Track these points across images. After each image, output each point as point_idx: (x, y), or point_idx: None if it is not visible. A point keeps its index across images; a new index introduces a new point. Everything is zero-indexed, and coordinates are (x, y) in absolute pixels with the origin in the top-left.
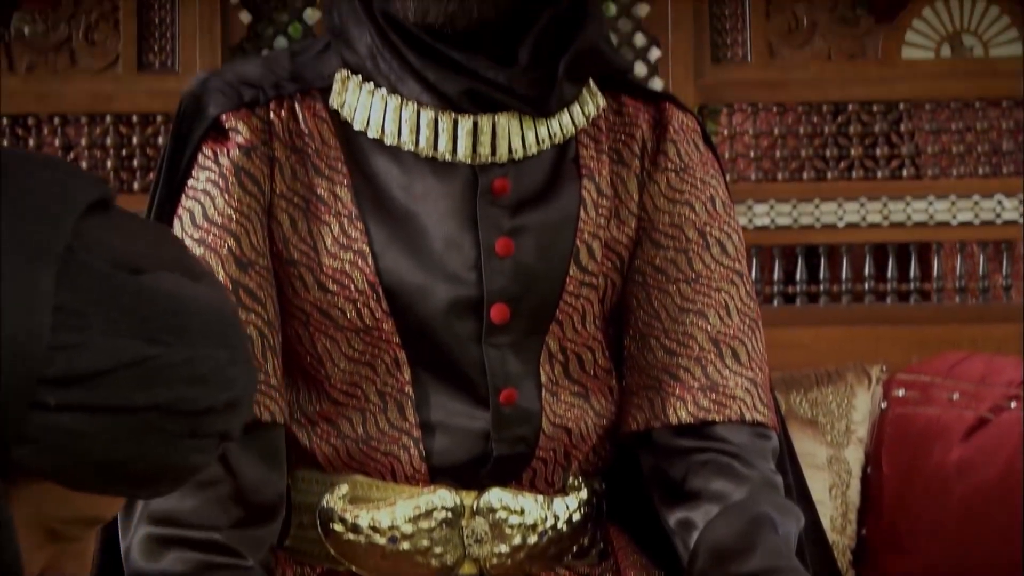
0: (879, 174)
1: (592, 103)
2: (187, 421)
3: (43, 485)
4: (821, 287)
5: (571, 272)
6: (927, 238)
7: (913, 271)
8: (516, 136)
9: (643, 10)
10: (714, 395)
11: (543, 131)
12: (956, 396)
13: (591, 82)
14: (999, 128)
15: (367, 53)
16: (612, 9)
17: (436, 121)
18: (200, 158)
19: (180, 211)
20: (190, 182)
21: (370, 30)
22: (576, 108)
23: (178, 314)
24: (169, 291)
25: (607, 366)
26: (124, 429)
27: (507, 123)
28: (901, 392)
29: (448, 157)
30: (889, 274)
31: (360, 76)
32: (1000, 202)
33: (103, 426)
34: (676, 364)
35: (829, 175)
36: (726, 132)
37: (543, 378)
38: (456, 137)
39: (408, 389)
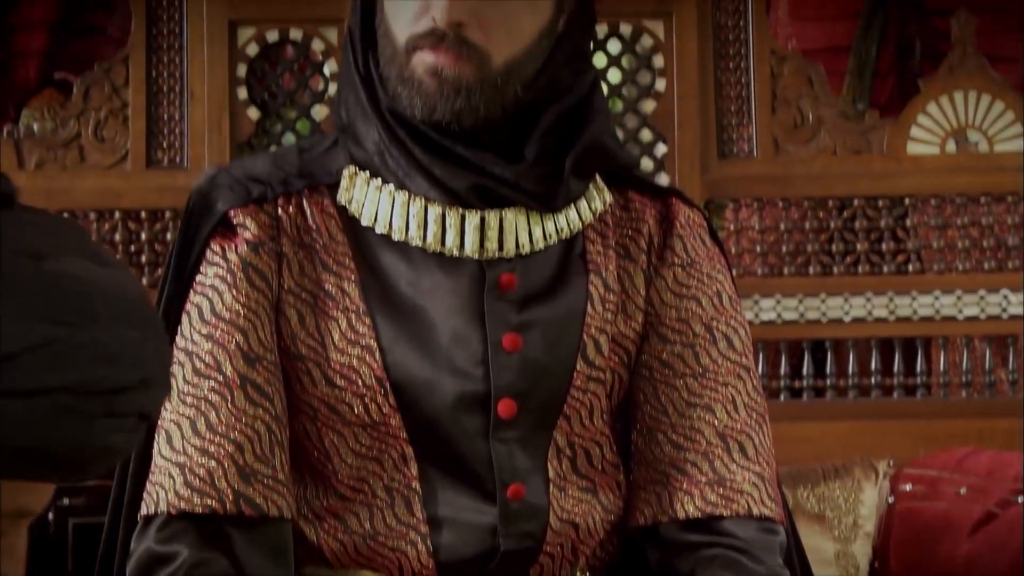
0: (885, 269)
1: (599, 198)
2: (102, 401)
3: None
4: (827, 381)
5: (578, 367)
6: (933, 332)
7: (919, 365)
8: (523, 231)
9: (649, 106)
10: (721, 490)
11: (550, 226)
12: (963, 491)
13: (598, 177)
14: (1004, 223)
15: (375, 149)
16: (618, 105)
17: (444, 216)
18: (208, 253)
19: (188, 306)
20: (198, 277)
21: (377, 127)
22: (583, 203)
23: (84, 296)
24: (74, 274)
25: (615, 461)
26: (39, 412)
27: (514, 218)
28: (908, 486)
29: (455, 252)
30: (895, 368)
31: (368, 172)
32: (1006, 297)
33: (18, 410)
34: (683, 458)
35: (835, 270)
36: (732, 227)
37: (551, 473)
38: (463, 232)
39: (415, 484)
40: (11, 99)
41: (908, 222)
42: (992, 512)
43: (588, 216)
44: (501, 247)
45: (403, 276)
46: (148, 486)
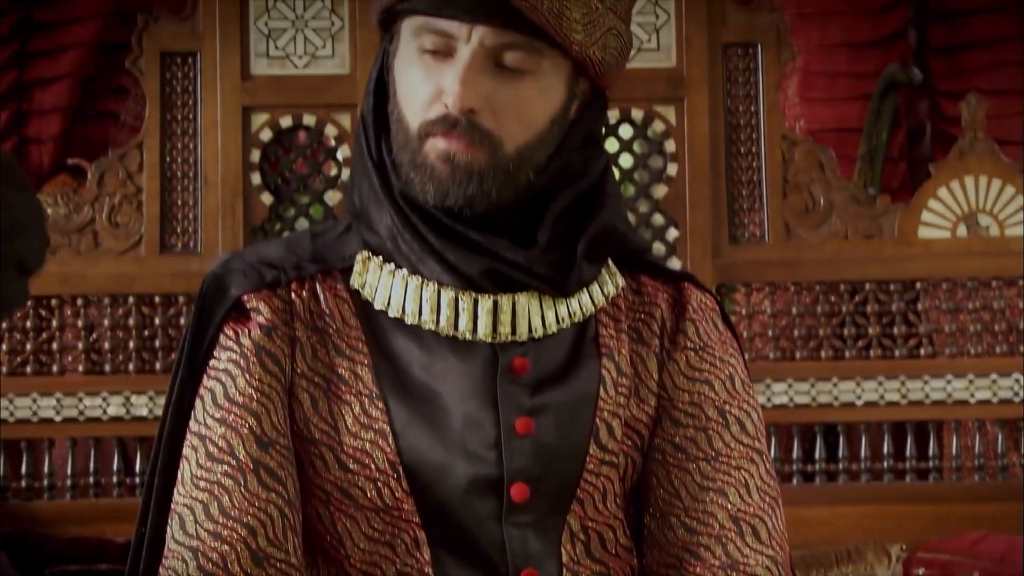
0: (897, 352)
1: (611, 282)
2: None
3: None
4: (840, 465)
5: (591, 451)
6: (946, 416)
7: (932, 449)
8: (536, 315)
9: (661, 191)
10: (735, 574)
11: (563, 310)
12: (976, 575)
13: (610, 261)
14: (1015, 307)
15: (388, 234)
16: (630, 190)
17: (456, 301)
18: (222, 338)
19: (202, 390)
20: (212, 362)
21: (390, 212)
22: (595, 287)
23: None
24: None
25: (628, 545)
26: None
27: (527, 303)
28: (921, 571)
29: (468, 336)
30: (908, 452)
31: (381, 257)
32: (1018, 380)
33: None
34: (696, 542)
35: (847, 354)
36: (743, 311)
37: (564, 558)
38: (476, 316)
39: (428, 569)
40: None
41: (920, 306)
42: None
43: (600, 300)
44: (514, 331)
45: (416, 360)
46: (161, 570)
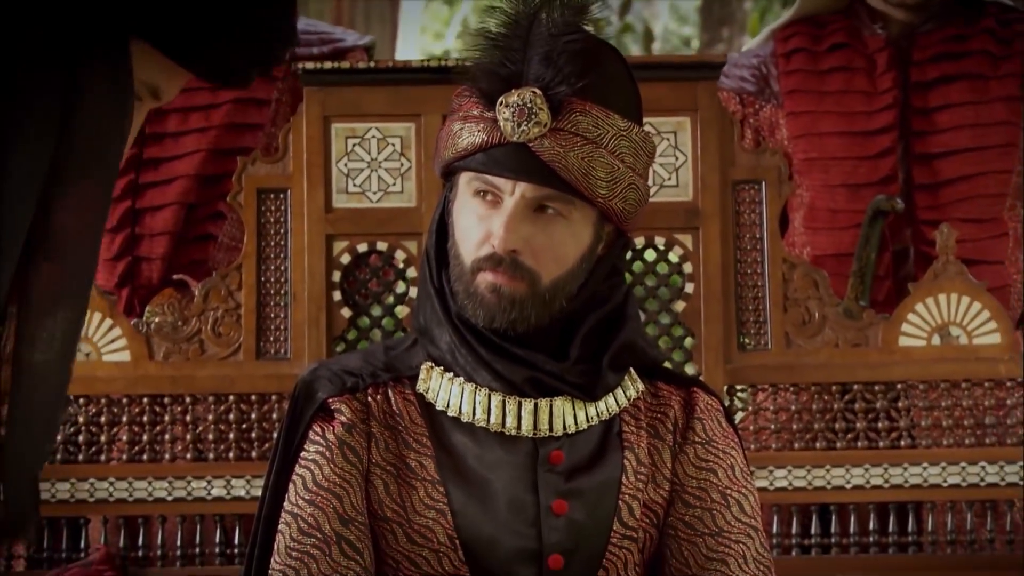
0: (881, 444)
1: (632, 387)
2: None
3: None
4: (832, 539)
5: (615, 527)
6: (923, 498)
7: (911, 526)
8: (569, 415)
9: (679, 306)
10: None
11: (592, 411)
12: None
13: (632, 370)
14: (982, 405)
15: (447, 348)
16: (654, 305)
17: (504, 403)
18: (311, 434)
19: (294, 476)
20: (303, 453)
21: (449, 331)
22: (619, 392)
23: None
24: None
25: None
26: None
27: (562, 405)
28: None
29: (513, 432)
30: (891, 528)
31: (442, 367)
32: (983, 467)
33: None
34: None
35: (838, 444)
36: (751, 408)
37: None
38: (520, 416)
39: None
40: (136, 297)
41: (900, 404)
42: None
43: (624, 402)
44: (551, 428)
45: (470, 451)
46: None
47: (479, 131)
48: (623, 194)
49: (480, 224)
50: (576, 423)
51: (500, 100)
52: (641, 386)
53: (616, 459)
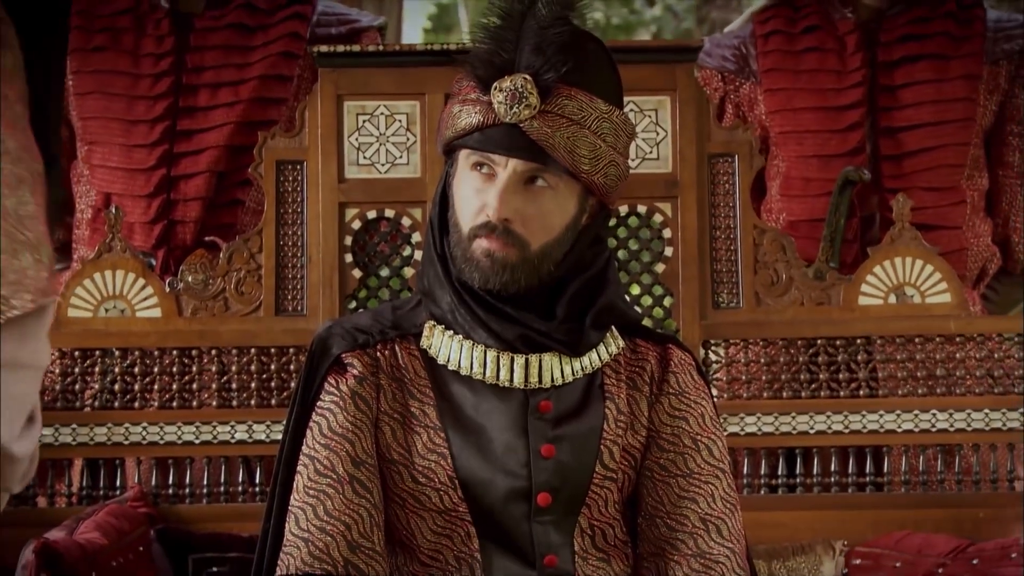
0: (841, 393)
1: (614, 344)
2: None
3: None
4: (797, 480)
5: (597, 469)
6: (880, 443)
7: (868, 467)
8: (556, 369)
9: (660, 268)
10: (703, 560)
11: (576, 365)
12: (899, 564)
13: (613, 328)
14: (933, 359)
15: (448, 309)
16: (636, 267)
17: (498, 358)
18: (326, 385)
19: (311, 424)
20: (319, 403)
21: (450, 292)
22: (601, 348)
23: None
24: None
25: (624, 538)
26: None
27: (550, 360)
28: (858, 561)
29: (507, 384)
30: (850, 470)
31: (443, 325)
32: (935, 414)
33: None
34: (675, 537)
35: (803, 394)
36: (724, 361)
37: (576, 547)
38: (513, 370)
39: (477, 555)
40: (172, 257)
41: (859, 357)
42: None
43: (605, 357)
44: (540, 380)
45: (468, 401)
46: (281, 554)
47: (476, 113)
48: (604, 170)
49: (477, 196)
50: (563, 376)
51: (495, 85)
52: (621, 343)
53: (598, 408)
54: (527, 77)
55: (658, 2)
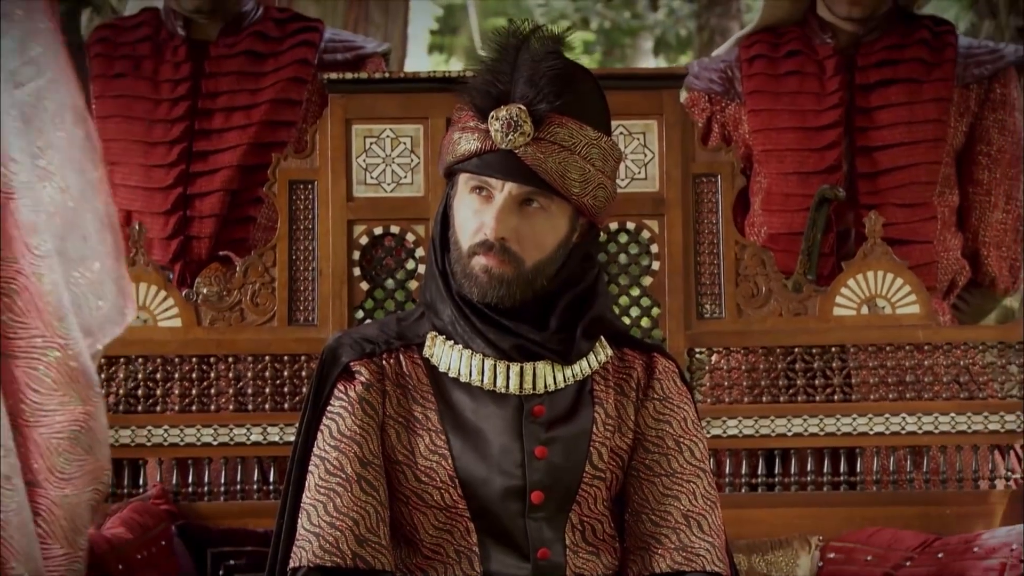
0: (817, 398)
1: (603, 353)
2: None
3: None
4: (776, 479)
5: (587, 469)
6: (853, 444)
7: (843, 468)
8: (549, 376)
9: (647, 281)
10: (685, 554)
11: (568, 373)
12: (870, 557)
13: (602, 338)
14: (904, 366)
15: (449, 321)
16: (625, 279)
17: (495, 367)
18: (336, 391)
19: (322, 427)
20: (329, 407)
21: (450, 306)
22: (591, 356)
23: None
24: None
25: (612, 533)
26: None
27: (543, 368)
28: (832, 555)
29: (503, 390)
30: (825, 470)
31: (444, 336)
32: (904, 418)
33: None
34: (659, 532)
35: (781, 399)
36: (707, 368)
37: (567, 541)
38: (508, 377)
39: (475, 548)
40: (188, 271)
41: (834, 365)
42: (889, 574)
43: (595, 365)
44: (534, 387)
45: (467, 406)
46: (294, 547)
47: (474, 139)
48: (593, 192)
49: (475, 216)
50: (555, 383)
51: (492, 114)
52: (610, 352)
53: (588, 413)
54: (521, 107)
55: (661, 7)
